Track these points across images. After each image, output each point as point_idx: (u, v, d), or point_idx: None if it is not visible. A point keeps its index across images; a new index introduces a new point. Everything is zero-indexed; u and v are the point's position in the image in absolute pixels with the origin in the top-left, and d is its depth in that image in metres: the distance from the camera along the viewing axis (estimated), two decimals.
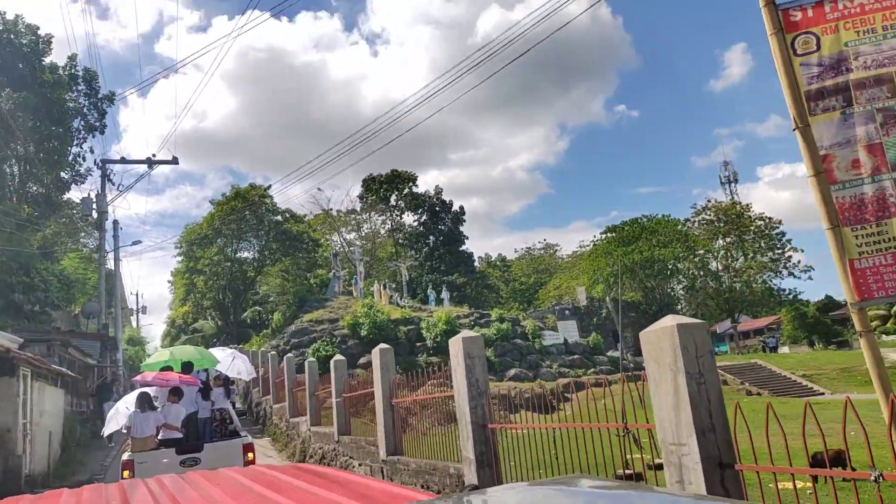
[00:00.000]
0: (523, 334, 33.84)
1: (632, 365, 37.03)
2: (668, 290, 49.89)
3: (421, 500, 1.69)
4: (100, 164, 24.62)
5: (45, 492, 2.85)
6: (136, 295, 66.88)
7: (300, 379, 15.64)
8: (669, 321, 3.54)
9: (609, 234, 51.28)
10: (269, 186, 41.58)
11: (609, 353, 37.53)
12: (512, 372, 28.44)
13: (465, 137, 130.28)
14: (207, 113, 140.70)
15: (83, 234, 39.82)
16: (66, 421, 14.34)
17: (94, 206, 23.77)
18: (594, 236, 67.01)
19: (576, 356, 34.45)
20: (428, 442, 7.43)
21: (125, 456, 8.85)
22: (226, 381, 11.45)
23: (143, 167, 24.53)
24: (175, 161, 24.68)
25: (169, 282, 48.31)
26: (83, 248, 40.55)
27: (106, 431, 10.94)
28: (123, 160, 24.90)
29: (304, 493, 2.22)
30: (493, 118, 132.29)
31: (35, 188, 27.60)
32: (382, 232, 60.29)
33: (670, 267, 47.19)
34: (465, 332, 6.09)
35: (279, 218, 41.73)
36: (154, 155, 24.57)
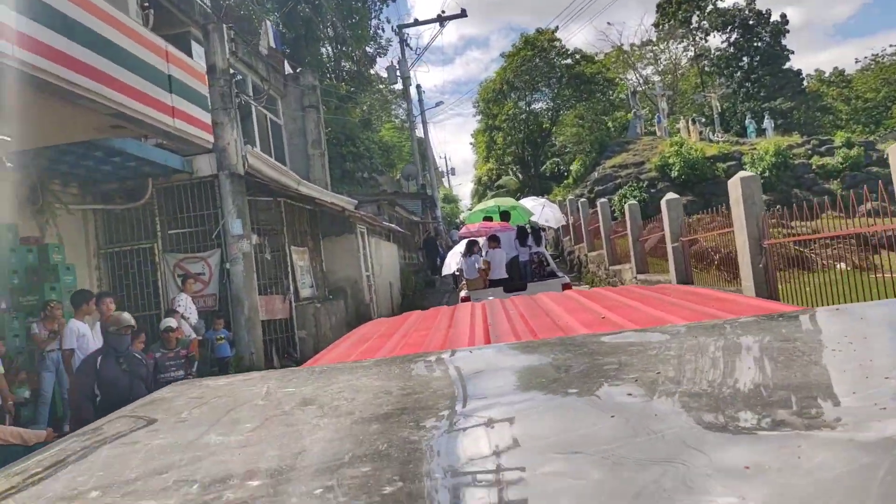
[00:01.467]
0: (880, 160, 27.45)
1: None
2: None
3: (796, 310, 1.72)
4: (397, 30, 25.20)
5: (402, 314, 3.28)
6: (445, 158, 72.35)
7: (616, 225, 14.43)
8: None
9: None
10: (557, 28, 39.18)
11: None
12: (867, 206, 23.52)
13: None
14: None
15: (393, 105, 43.10)
16: (402, 272, 15.59)
17: (398, 72, 24.69)
18: None
19: None
20: (828, 292, 5.62)
21: (462, 293, 10.04)
22: (536, 229, 11.94)
23: (432, 35, 24.48)
24: (464, 14, 24.05)
25: (471, 143, 50.57)
26: (395, 118, 44.07)
27: (444, 272, 12.66)
28: (417, 22, 25.14)
29: (670, 305, 2.25)
30: None
31: (347, 65, 29.82)
32: (684, 62, 53.49)
33: None
34: None
35: (569, 61, 39.47)
36: (443, 12, 24.21)
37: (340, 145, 23.25)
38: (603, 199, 15.95)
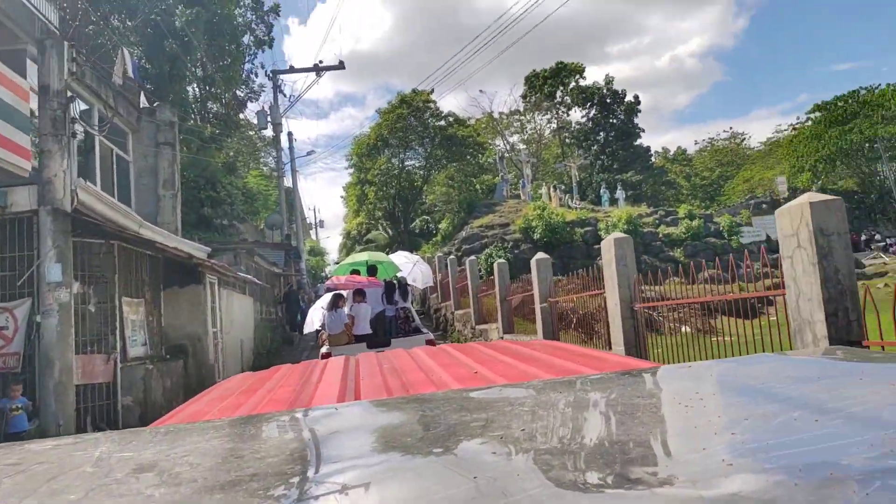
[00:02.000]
0: (717, 232, 30.44)
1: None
2: (890, 175, 41.73)
3: (652, 367, 1.87)
4: (271, 76, 24.39)
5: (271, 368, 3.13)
6: (314, 210, 70.73)
7: (482, 284, 14.37)
8: None
9: (817, 114, 43.57)
10: (433, 91, 40.19)
11: None
12: (705, 274, 25.70)
13: (626, 26, 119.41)
14: (363, 35, 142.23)
15: (263, 153, 41.71)
16: (257, 328, 14.37)
17: (269, 118, 23.77)
18: (797, 118, 58.02)
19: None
20: (681, 353, 5.63)
21: (323, 349, 9.65)
22: (404, 284, 11.85)
23: (308, 84, 23.99)
24: (341, 66, 23.80)
25: (342, 197, 49.88)
26: (264, 166, 42.62)
27: (306, 329, 12.15)
28: (292, 69, 24.48)
29: (539, 360, 2.31)
30: (658, 1, 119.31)
31: (215, 107, 28.48)
32: (547, 133, 57.14)
33: None
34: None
35: (443, 123, 40.55)
36: (321, 62, 23.83)
37: (199, 189, 21.77)
38: (472, 257, 15.93)
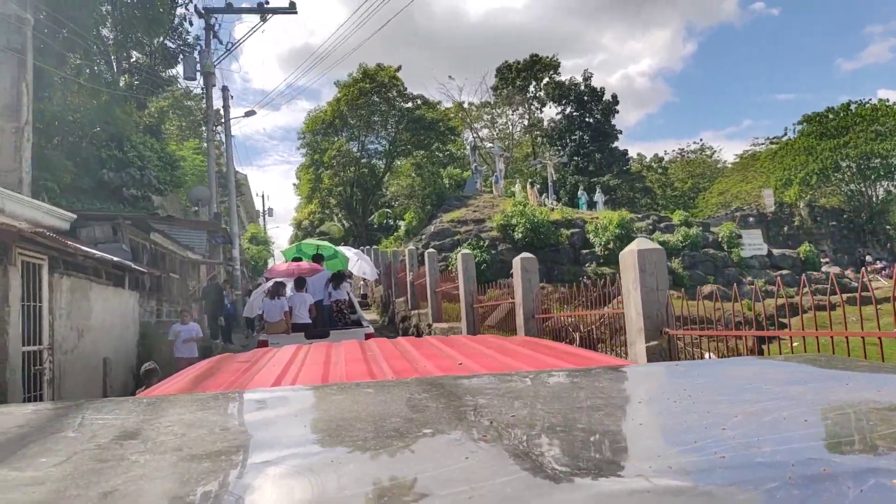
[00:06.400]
0: (715, 242, 27.11)
1: (853, 283, 29.13)
2: (882, 193, 39.49)
3: (639, 365, 2.01)
4: (203, 13, 19.50)
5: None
6: (262, 196, 64.90)
7: (475, 289, 10.02)
8: None
9: (806, 126, 41.05)
10: (399, 68, 35.65)
11: (824, 269, 29.58)
12: (707, 289, 22.26)
13: (579, 43, 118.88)
14: (317, 29, 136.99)
15: (203, 128, 36.43)
16: (145, 338, 9.64)
17: (199, 65, 18.91)
18: (785, 129, 55.65)
19: (784, 271, 27.13)
20: None
21: (260, 337, 9.57)
22: (338, 277, 11.20)
23: (251, 32, 19.24)
24: (293, 9, 19.17)
25: (294, 184, 44.69)
26: (206, 142, 37.34)
27: (245, 313, 11.91)
28: (230, 8, 19.66)
29: (526, 356, 2.36)
30: (612, 20, 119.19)
31: (139, 56, 23.37)
32: (518, 129, 53.36)
33: (894, 163, 36.62)
34: None
35: (410, 105, 36.08)
36: (266, 2, 19.11)
37: (101, 147, 16.73)
38: (465, 251, 11.57)
